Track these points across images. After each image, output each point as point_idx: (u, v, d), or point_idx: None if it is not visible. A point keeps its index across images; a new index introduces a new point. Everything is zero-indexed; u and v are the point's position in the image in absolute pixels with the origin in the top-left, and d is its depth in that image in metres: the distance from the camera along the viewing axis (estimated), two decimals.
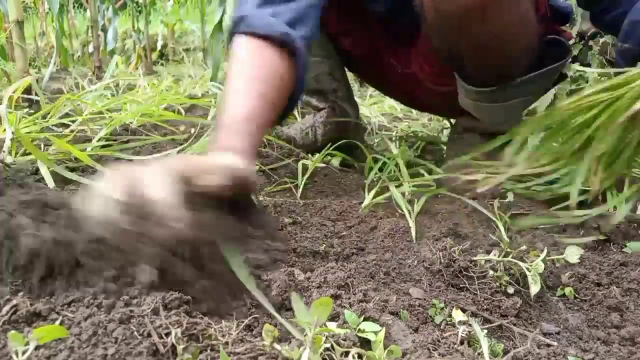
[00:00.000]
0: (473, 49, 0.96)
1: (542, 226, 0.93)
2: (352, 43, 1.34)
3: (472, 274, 0.71)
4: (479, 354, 0.53)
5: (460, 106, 1.16)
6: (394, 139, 1.66)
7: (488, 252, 0.76)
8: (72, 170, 1.02)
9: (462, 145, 1.24)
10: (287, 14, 0.87)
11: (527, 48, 1.00)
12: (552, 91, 1.91)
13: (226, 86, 0.81)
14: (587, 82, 2.13)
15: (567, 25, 1.55)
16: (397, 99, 1.66)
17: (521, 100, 1.09)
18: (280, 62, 0.82)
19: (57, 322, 0.48)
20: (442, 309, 0.62)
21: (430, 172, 1.17)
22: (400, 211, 0.95)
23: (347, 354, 0.48)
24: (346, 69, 1.47)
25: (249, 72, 0.80)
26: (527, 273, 0.69)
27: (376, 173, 1.13)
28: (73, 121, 1.37)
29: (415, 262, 0.76)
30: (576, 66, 1.84)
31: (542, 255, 0.71)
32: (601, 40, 2.10)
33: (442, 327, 0.60)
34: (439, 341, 0.55)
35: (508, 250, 0.73)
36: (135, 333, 0.46)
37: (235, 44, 0.85)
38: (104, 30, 4.27)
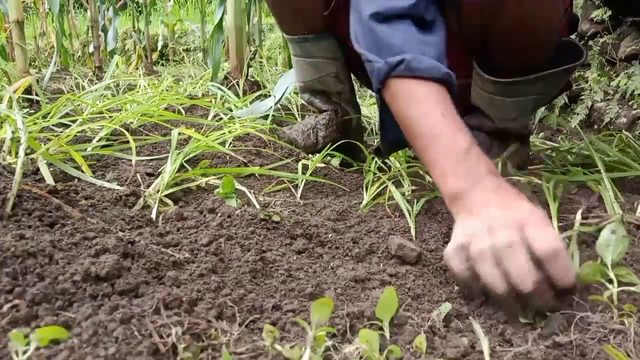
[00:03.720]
0: (508, 30, 0.98)
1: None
2: None
3: None
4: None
5: (467, 104, 1.17)
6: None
7: None
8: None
9: None
10: (433, 51, 0.88)
11: (556, 32, 1.03)
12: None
13: (425, 127, 0.81)
14: (586, 82, 2.13)
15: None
16: None
17: (533, 98, 1.12)
18: (447, 95, 0.85)
19: (58, 322, 0.48)
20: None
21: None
22: (400, 211, 0.95)
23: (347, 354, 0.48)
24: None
25: (443, 110, 0.82)
26: None
27: (375, 173, 1.13)
28: (73, 121, 1.37)
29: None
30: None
31: None
32: (601, 40, 2.10)
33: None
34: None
35: None
36: (136, 333, 0.46)
37: (401, 87, 0.86)
38: (104, 30, 4.26)
